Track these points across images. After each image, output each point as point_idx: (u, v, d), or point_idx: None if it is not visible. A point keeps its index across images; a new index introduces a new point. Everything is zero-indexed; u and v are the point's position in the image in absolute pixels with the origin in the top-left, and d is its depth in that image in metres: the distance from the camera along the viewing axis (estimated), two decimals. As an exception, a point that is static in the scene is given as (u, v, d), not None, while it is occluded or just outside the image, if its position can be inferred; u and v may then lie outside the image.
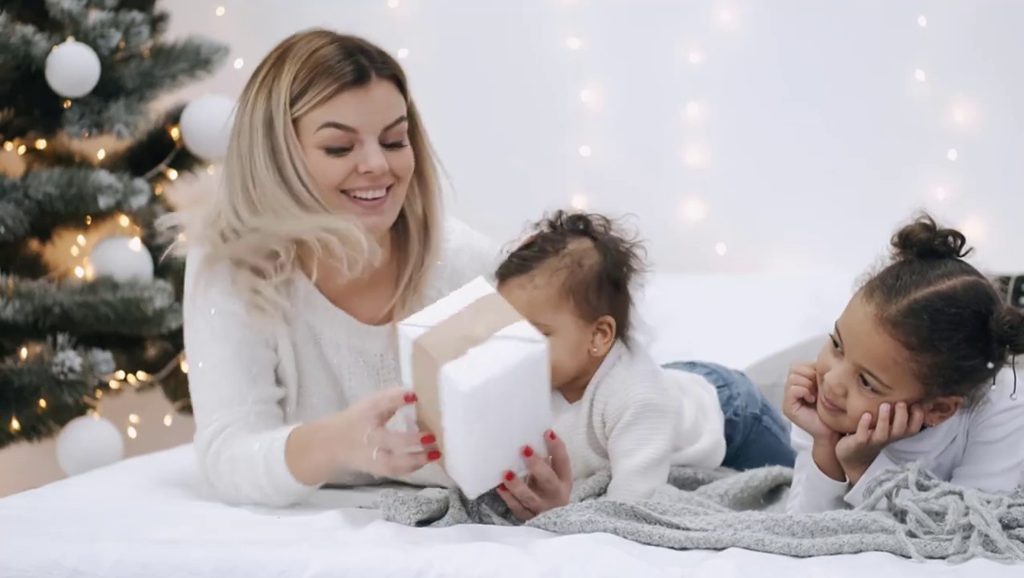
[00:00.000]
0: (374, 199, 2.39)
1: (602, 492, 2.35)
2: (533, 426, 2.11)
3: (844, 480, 2.18)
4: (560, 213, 2.39)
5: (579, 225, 2.37)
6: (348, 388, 2.48)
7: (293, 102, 2.36)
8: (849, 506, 2.14)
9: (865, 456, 2.14)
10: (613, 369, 2.37)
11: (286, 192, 2.34)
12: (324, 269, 2.39)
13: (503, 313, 2.08)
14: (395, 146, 2.41)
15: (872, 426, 2.11)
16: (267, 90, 2.37)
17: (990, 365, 2.10)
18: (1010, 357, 2.12)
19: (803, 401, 2.19)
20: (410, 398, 2.11)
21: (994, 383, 2.14)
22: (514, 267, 2.34)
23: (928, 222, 2.15)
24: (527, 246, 2.35)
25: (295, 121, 2.36)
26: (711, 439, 2.51)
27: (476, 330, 2.04)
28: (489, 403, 2.01)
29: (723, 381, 2.63)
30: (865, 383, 2.11)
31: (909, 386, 2.10)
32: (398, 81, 2.43)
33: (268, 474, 2.28)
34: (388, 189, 2.40)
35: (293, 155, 2.34)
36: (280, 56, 2.41)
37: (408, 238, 2.49)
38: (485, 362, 2.01)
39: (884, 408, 2.10)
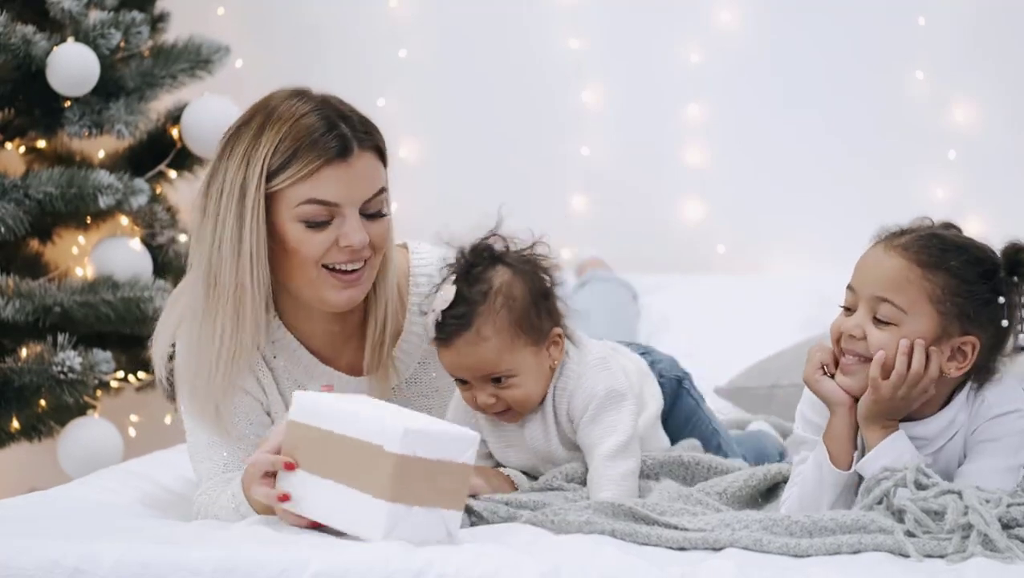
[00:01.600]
0: (352, 272, 2.34)
1: (576, 478, 2.36)
2: None
3: (851, 468, 2.17)
4: (461, 252, 2.36)
5: (485, 255, 2.35)
6: None
7: (272, 176, 2.29)
8: (860, 478, 2.15)
9: (885, 412, 2.14)
10: (564, 369, 2.38)
11: (235, 273, 2.29)
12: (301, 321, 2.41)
13: None
14: (374, 216, 2.36)
15: (888, 372, 2.12)
16: (245, 159, 2.30)
17: (1000, 300, 2.15)
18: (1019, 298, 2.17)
19: (824, 371, 2.20)
20: (290, 466, 2.08)
21: (1007, 352, 2.17)
22: (454, 328, 2.31)
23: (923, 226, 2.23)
24: (454, 304, 2.32)
25: (272, 195, 2.30)
26: (656, 404, 2.52)
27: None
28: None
29: (642, 349, 2.65)
30: (881, 316, 2.14)
31: (924, 312, 2.13)
32: (379, 150, 2.39)
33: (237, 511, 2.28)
34: (366, 260, 2.36)
35: (256, 234, 2.28)
36: (261, 123, 2.31)
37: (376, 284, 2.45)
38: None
39: (903, 342, 2.12)
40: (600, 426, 2.34)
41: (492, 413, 2.37)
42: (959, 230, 2.24)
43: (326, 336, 2.44)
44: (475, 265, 2.35)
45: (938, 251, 2.15)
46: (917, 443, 2.15)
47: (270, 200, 2.30)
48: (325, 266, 2.32)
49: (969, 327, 2.14)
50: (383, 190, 2.38)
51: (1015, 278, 2.17)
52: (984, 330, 2.16)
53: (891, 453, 2.13)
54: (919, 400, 2.15)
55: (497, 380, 2.33)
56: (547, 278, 2.37)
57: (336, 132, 2.30)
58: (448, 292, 2.32)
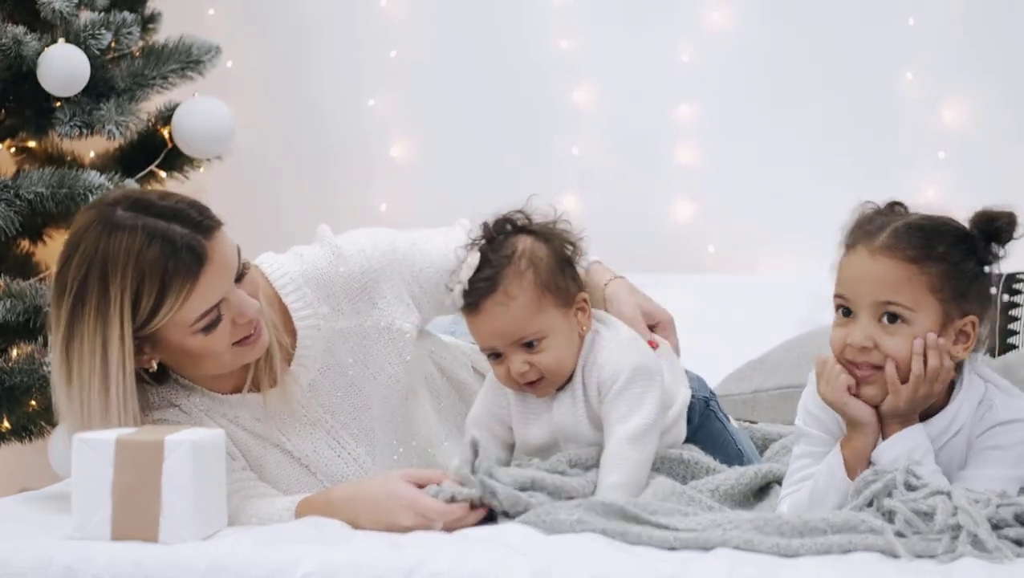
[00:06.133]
0: (255, 330, 2.35)
1: (580, 463, 2.37)
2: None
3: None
4: (486, 225, 2.39)
5: (507, 227, 2.39)
6: (294, 447, 2.49)
7: (147, 321, 2.24)
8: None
9: (906, 411, 2.15)
10: (595, 343, 2.40)
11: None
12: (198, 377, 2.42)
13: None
14: (242, 275, 2.34)
15: (905, 374, 2.13)
16: (100, 319, 2.23)
17: (986, 269, 2.16)
18: (1002, 253, 2.18)
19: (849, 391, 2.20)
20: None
21: (991, 305, 2.19)
22: (483, 289, 2.34)
23: (866, 209, 2.26)
24: (480, 267, 2.35)
25: (155, 332, 2.26)
26: (682, 402, 2.52)
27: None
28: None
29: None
30: (890, 320, 2.14)
31: (928, 304, 2.13)
32: (211, 217, 2.32)
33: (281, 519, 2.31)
34: None
35: (122, 393, 2.25)
36: (101, 275, 2.23)
37: None
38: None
39: (917, 343, 2.12)
40: (625, 400, 2.34)
41: (525, 384, 2.38)
42: (904, 207, 2.24)
43: (226, 376, 2.44)
44: (499, 234, 2.38)
45: (922, 241, 2.14)
46: None
47: (156, 335, 2.27)
48: (235, 344, 2.34)
49: (967, 306, 2.16)
50: (239, 251, 2.34)
51: (992, 245, 2.18)
52: (979, 305, 2.17)
53: (908, 442, 2.14)
54: (938, 394, 2.17)
55: (529, 345, 2.34)
56: (570, 247, 2.40)
57: (183, 244, 2.24)
58: (473, 258, 2.35)
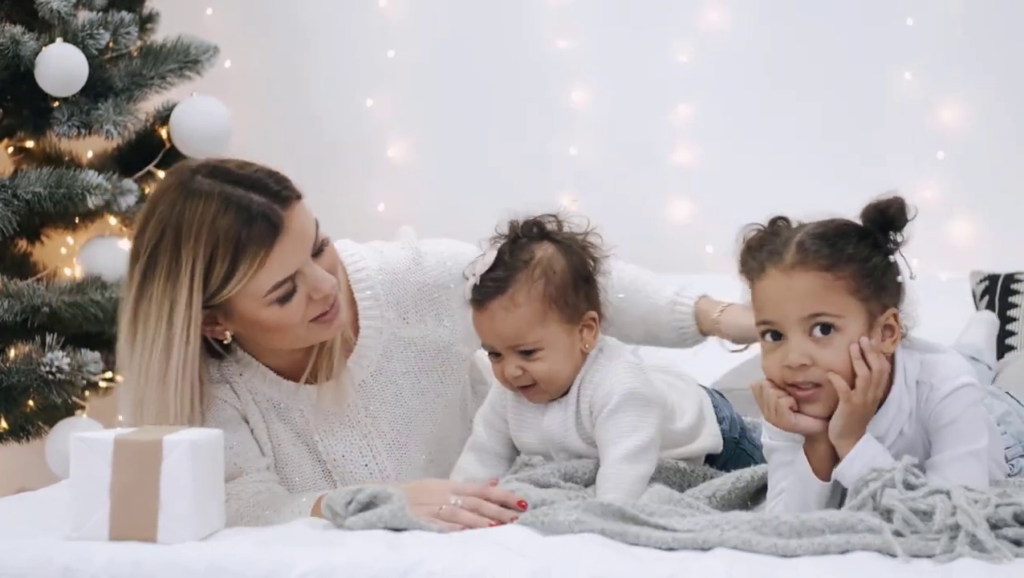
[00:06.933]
0: (332, 307, 2.33)
1: (575, 477, 2.37)
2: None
3: (830, 479, 2.18)
4: (514, 224, 2.38)
5: (535, 231, 2.38)
6: (325, 449, 2.48)
7: (219, 288, 2.22)
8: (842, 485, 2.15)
9: (858, 420, 2.15)
10: (596, 362, 2.39)
11: (159, 401, 2.25)
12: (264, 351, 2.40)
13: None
14: (321, 249, 2.32)
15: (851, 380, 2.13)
16: (170, 281, 2.22)
17: (891, 258, 2.16)
18: (901, 239, 2.17)
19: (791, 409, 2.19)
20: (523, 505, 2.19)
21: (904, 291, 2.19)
22: (491, 290, 2.34)
23: (752, 237, 2.26)
24: (494, 267, 2.35)
25: (228, 301, 2.25)
26: (708, 442, 2.52)
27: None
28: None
29: (712, 401, 2.64)
30: (823, 331, 2.13)
31: (852, 306, 2.13)
32: (293, 189, 2.30)
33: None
34: None
35: (183, 361, 2.24)
36: (174, 239, 2.22)
37: None
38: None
39: (854, 348, 2.12)
40: (618, 423, 2.34)
41: (517, 387, 2.38)
42: (787, 220, 2.24)
43: (289, 359, 2.43)
44: (523, 237, 2.37)
45: (829, 248, 2.14)
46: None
47: (229, 305, 2.26)
48: (311, 321, 2.32)
49: (886, 300, 2.16)
50: (318, 225, 2.33)
51: (890, 233, 2.18)
52: (896, 296, 2.18)
53: (866, 454, 2.13)
54: (880, 394, 2.17)
55: (526, 352, 2.35)
56: (592, 264, 2.39)
57: (258, 213, 2.23)
58: (490, 256, 2.35)
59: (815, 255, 2.13)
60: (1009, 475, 2.40)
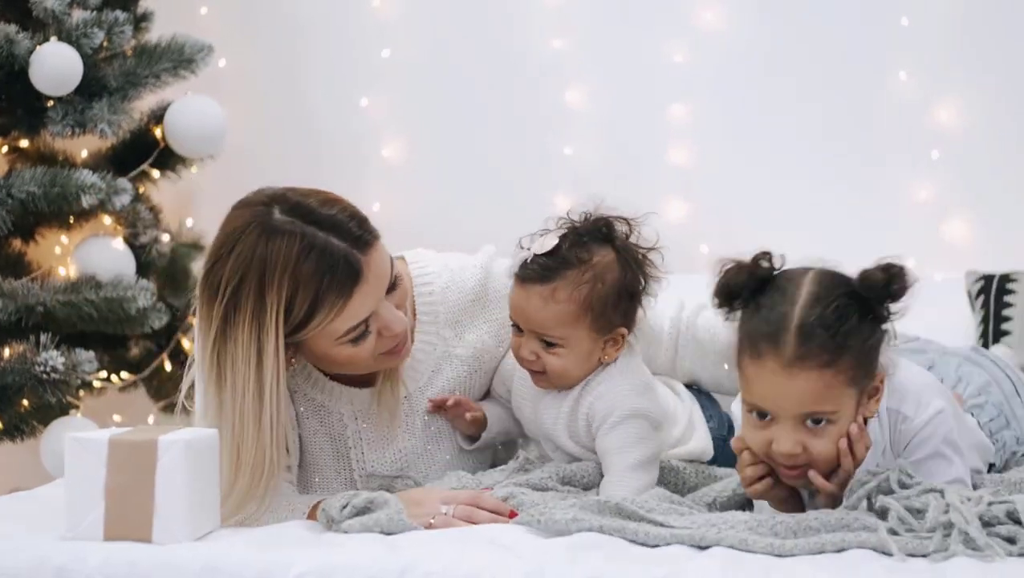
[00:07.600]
0: (400, 343, 2.35)
1: (586, 480, 2.37)
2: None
3: (804, 509, 2.19)
4: (586, 216, 2.36)
5: (602, 231, 2.36)
6: (356, 457, 2.49)
7: (297, 329, 2.23)
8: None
9: (832, 498, 2.16)
10: (605, 371, 2.40)
11: (257, 443, 2.23)
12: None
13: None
14: (393, 286, 2.32)
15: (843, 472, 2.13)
16: (255, 324, 2.21)
17: (886, 327, 2.12)
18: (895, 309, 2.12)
19: (762, 477, 2.19)
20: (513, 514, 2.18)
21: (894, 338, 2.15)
22: (535, 274, 2.33)
23: (730, 271, 2.16)
24: (551, 253, 2.33)
25: (306, 340, 2.27)
26: (697, 446, 2.53)
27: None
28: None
29: (700, 403, 2.65)
30: (816, 422, 2.11)
31: (848, 395, 2.11)
32: (372, 232, 2.31)
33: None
34: None
35: (275, 399, 2.22)
36: (259, 282, 2.20)
37: None
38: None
39: (843, 443, 2.11)
40: (620, 436, 2.35)
41: (528, 368, 2.40)
42: (769, 257, 2.17)
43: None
44: (589, 233, 2.35)
45: (831, 340, 2.07)
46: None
47: (301, 343, 2.27)
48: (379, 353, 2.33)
49: (874, 369, 2.14)
50: (394, 265, 2.33)
51: (888, 304, 2.12)
52: (880, 360, 2.15)
53: None
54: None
55: (546, 343, 2.35)
56: (643, 282, 2.37)
57: (340, 259, 2.22)
58: (550, 241, 2.34)
59: (818, 350, 2.07)
60: (1002, 463, 2.42)
